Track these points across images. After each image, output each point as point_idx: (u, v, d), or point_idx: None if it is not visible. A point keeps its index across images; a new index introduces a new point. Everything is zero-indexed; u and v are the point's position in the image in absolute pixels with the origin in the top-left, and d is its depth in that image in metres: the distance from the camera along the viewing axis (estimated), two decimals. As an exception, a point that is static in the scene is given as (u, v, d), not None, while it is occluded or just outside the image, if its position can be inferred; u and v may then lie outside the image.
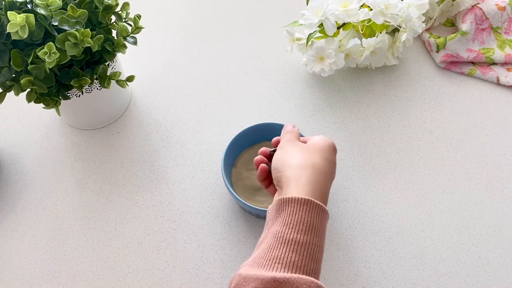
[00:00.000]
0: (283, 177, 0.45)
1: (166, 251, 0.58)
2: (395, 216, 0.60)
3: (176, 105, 0.71)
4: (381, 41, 0.66)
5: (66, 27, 0.51)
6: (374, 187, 0.62)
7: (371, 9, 0.63)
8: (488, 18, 0.75)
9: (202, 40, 0.79)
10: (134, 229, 0.60)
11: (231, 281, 0.39)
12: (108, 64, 0.59)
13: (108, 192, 0.63)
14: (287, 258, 0.38)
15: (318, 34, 0.66)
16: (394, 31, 0.72)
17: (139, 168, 0.65)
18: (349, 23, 0.66)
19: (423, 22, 0.71)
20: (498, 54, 0.74)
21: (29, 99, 0.53)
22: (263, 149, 0.53)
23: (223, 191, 0.62)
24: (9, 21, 0.47)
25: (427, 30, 0.77)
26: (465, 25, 0.74)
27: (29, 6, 0.50)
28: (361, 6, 0.64)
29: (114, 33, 0.58)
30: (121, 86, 0.60)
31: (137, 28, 0.59)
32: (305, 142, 0.50)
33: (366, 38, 0.66)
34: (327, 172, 0.45)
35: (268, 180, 0.52)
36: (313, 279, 0.37)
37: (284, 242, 0.39)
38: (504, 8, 0.76)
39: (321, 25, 0.63)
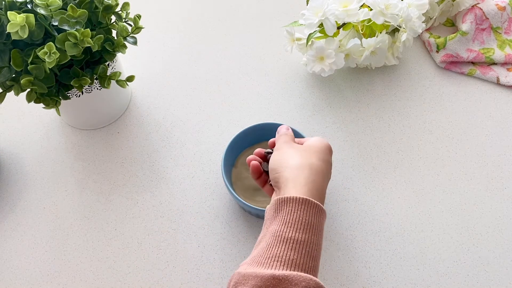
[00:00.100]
0: (281, 177, 0.46)
1: (166, 251, 0.58)
2: (395, 216, 0.60)
3: (176, 105, 0.71)
4: (381, 41, 0.66)
5: (66, 27, 0.51)
6: (374, 187, 0.62)
7: (371, 9, 0.63)
8: (488, 18, 0.75)
9: (202, 40, 0.79)
10: (134, 229, 0.60)
11: (230, 280, 0.40)
12: (108, 64, 0.59)
13: (108, 192, 0.63)
14: (285, 256, 0.39)
15: (318, 34, 0.66)
16: (394, 31, 0.72)
17: (139, 168, 0.65)
18: (349, 23, 0.66)
19: (423, 22, 0.71)
20: (498, 54, 0.74)
21: (29, 99, 0.53)
22: (258, 149, 0.54)
23: (223, 191, 0.62)
24: (9, 21, 0.47)
25: (427, 30, 0.77)
26: (465, 25, 0.74)
27: (29, 6, 0.50)
28: (361, 6, 0.64)
29: (114, 33, 0.58)
30: (121, 86, 0.60)
31: (137, 28, 0.59)
32: (301, 144, 0.51)
33: (366, 38, 0.66)
34: (324, 172, 0.46)
35: (263, 178, 0.53)
36: (311, 276, 0.38)
37: (283, 241, 0.40)
38: (504, 8, 0.76)
39: (321, 25, 0.63)
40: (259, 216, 0.58)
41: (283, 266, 0.38)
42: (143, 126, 0.69)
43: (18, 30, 0.47)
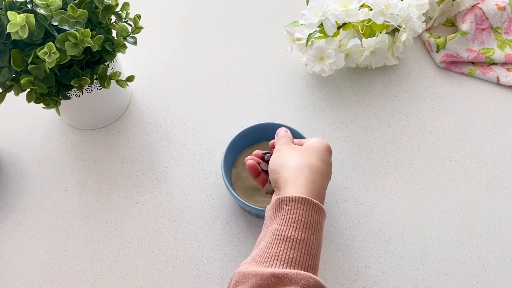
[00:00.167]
0: (280, 178, 0.46)
1: (166, 251, 0.58)
2: (395, 216, 0.60)
3: (176, 105, 0.71)
4: (381, 41, 0.66)
5: (66, 27, 0.51)
6: (374, 187, 0.62)
7: (371, 9, 0.63)
8: (488, 18, 0.75)
9: (202, 40, 0.79)
10: (134, 229, 0.60)
11: (231, 279, 0.40)
12: (108, 64, 0.59)
13: (108, 192, 0.63)
14: (285, 255, 0.39)
15: (318, 34, 0.66)
16: (394, 31, 0.72)
17: (139, 168, 0.65)
18: (349, 23, 0.66)
19: (423, 22, 0.71)
20: (498, 54, 0.74)
21: (29, 99, 0.53)
22: (256, 151, 0.54)
23: (223, 191, 0.62)
24: (9, 21, 0.47)
25: (427, 30, 0.77)
26: (465, 25, 0.74)
27: (29, 6, 0.50)
28: (361, 6, 0.64)
29: (114, 33, 0.58)
30: (121, 86, 0.60)
31: (137, 28, 0.59)
32: (300, 145, 0.51)
33: (366, 38, 0.66)
34: (323, 172, 0.47)
35: (262, 177, 0.53)
36: (311, 274, 0.38)
37: (283, 240, 0.40)
38: (504, 8, 0.76)
39: (321, 25, 0.63)
40: (259, 216, 0.58)
41: (283, 264, 0.38)
42: (143, 126, 0.69)
43: (18, 30, 0.47)
